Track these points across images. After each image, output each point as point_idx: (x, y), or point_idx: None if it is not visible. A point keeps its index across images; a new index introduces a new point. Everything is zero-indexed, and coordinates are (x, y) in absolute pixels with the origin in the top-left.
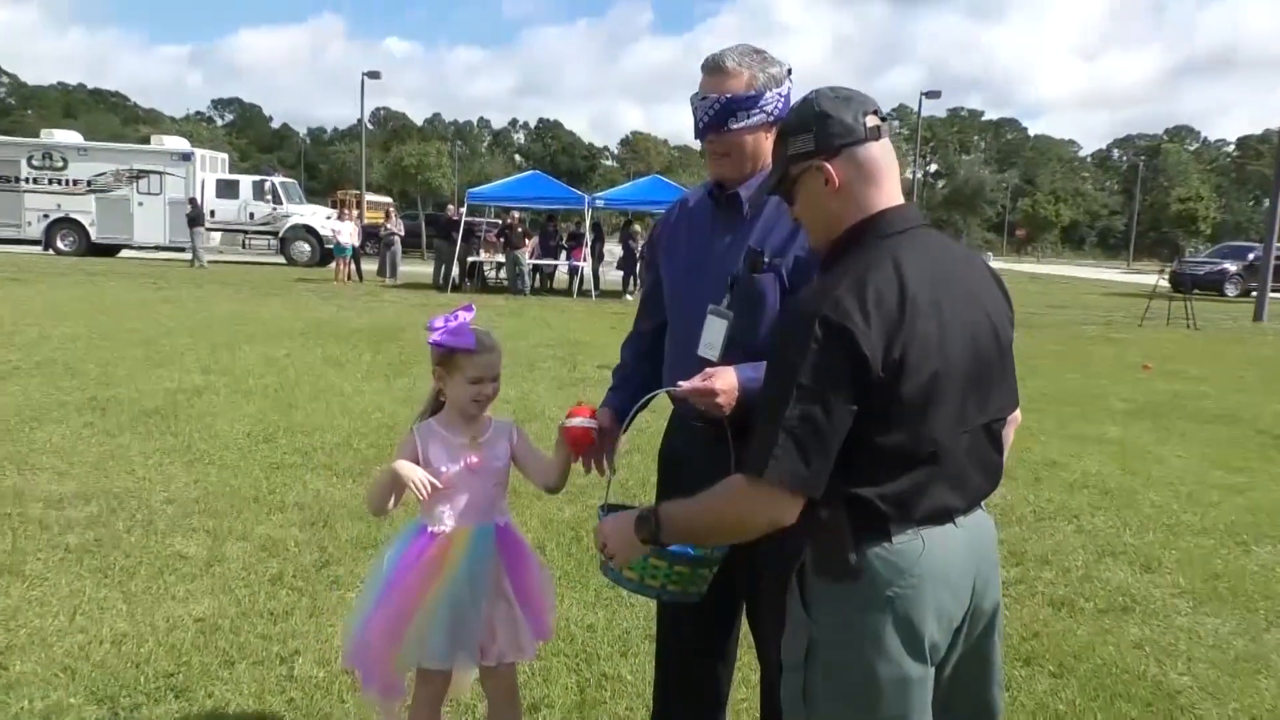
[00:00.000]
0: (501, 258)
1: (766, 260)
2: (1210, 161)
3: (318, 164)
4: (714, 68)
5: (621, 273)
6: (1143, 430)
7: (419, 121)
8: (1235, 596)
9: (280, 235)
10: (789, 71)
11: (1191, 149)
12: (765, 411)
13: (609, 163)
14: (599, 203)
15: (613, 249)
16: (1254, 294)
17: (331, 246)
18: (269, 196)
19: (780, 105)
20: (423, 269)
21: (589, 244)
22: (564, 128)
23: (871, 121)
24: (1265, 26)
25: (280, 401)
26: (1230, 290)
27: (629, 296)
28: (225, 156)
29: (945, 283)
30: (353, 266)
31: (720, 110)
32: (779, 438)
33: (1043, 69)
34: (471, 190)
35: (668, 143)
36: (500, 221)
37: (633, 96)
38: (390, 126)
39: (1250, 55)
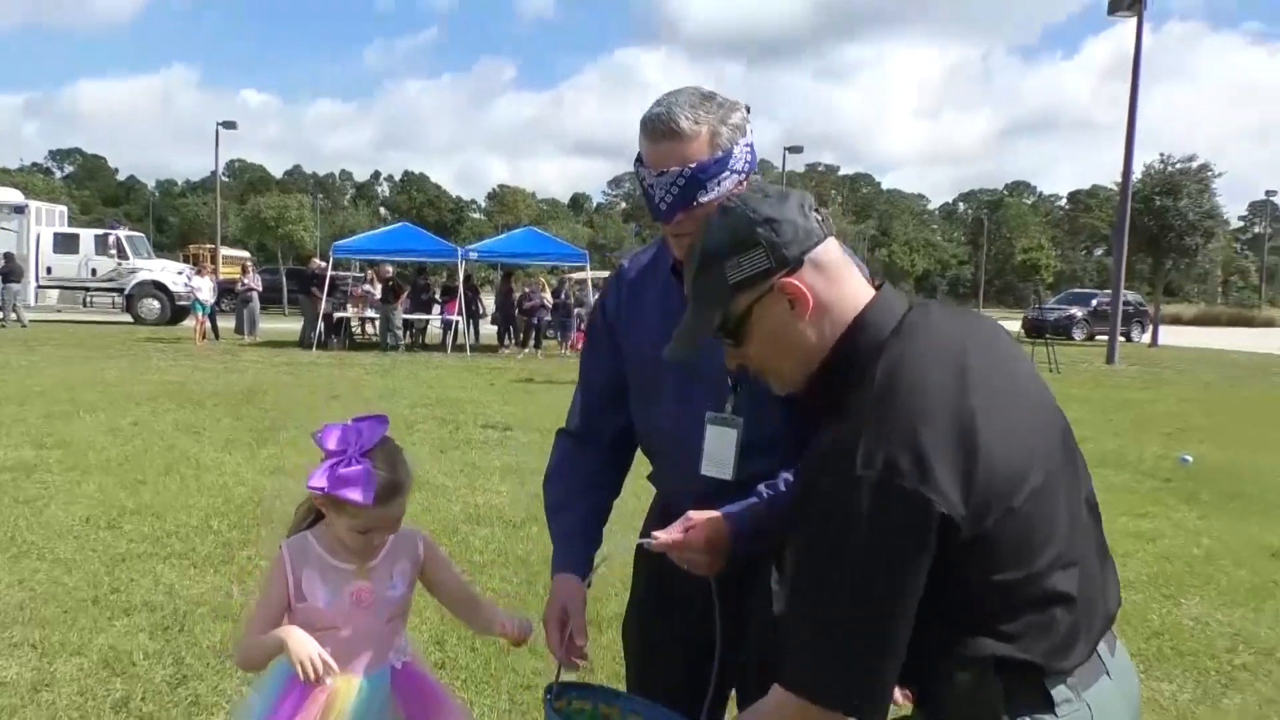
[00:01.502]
0: (371, 312)
1: None
2: (1045, 214)
3: (167, 217)
4: (666, 132)
5: (496, 328)
6: None
7: (278, 174)
8: (1182, 656)
9: (126, 292)
10: (747, 109)
11: (1029, 202)
12: (806, 607)
13: (477, 215)
14: (472, 255)
15: (485, 302)
16: (1098, 338)
17: (189, 304)
18: (113, 251)
19: (749, 156)
20: (283, 325)
21: (462, 297)
22: (430, 180)
23: (819, 215)
24: (1081, 92)
25: (126, 478)
26: (1078, 334)
27: (505, 350)
28: (64, 209)
29: (992, 367)
30: (208, 324)
31: (687, 185)
32: (829, 643)
33: (889, 127)
34: (337, 243)
35: (535, 195)
36: (365, 275)
37: (498, 150)
38: (246, 178)
39: (1070, 117)
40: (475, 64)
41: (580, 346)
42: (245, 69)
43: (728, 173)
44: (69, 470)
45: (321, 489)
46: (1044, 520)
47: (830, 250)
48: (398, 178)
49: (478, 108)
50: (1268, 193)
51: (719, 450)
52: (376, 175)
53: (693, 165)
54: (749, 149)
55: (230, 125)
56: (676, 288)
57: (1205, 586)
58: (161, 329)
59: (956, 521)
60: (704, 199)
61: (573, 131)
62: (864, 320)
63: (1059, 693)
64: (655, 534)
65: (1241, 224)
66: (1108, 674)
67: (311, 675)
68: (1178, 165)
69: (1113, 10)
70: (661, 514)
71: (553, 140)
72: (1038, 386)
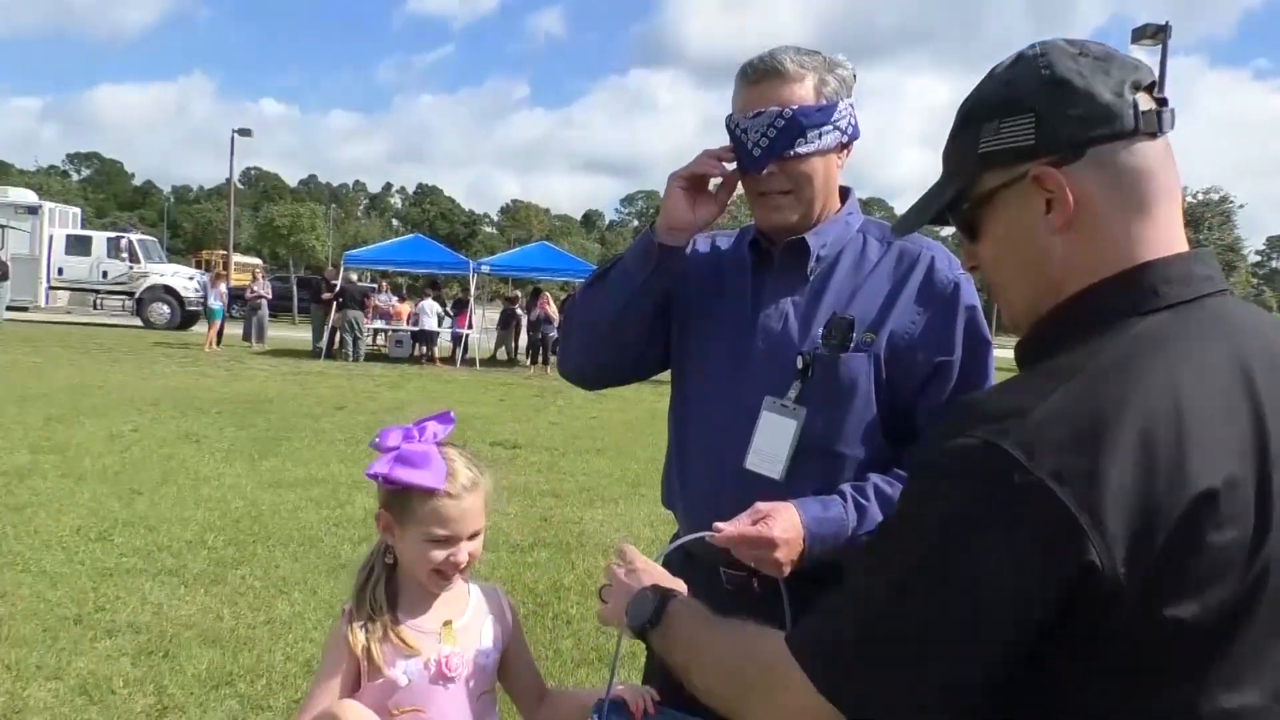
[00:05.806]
0: (380, 323)
1: (856, 333)
2: None
3: (181, 223)
4: (768, 71)
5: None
6: None
7: (292, 183)
8: None
9: (136, 296)
10: (854, 75)
11: None
12: (853, 570)
13: (489, 230)
14: (484, 268)
15: (492, 315)
16: None
17: (199, 309)
18: (125, 254)
19: (852, 121)
20: (292, 334)
21: (471, 311)
22: (443, 193)
23: (1144, 102)
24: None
25: (121, 487)
26: None
27: (530, 366)
28: (78, 211)
29: None
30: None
31: (786, 127)
32: (845, 623)
33: (892, 153)
34: (349, 253)
35: (549, 211)
36: (376, 285)
37: (510, 166)
38: (261, 187)
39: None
40: (487, 80)
41: None
42: (263, 79)
43: (831, 126)
44: (63, 477)
45: (382, 476)
46: (1243, 652)
47: (1139, 155)
48: (411, 190)
49: (490, 123)
50: None
51: (771, 442)
52: (389, 187)
53: (794, 107)
54: (852, 110)
55: (245, 133)
56: (744, 284)
57: None
58: (170, 334)
59: (1102, 571)
60: (803, 149)
61: (584, 149)
62: (1143, 272)
63: None
64: (719, 525)
65: (1259, 258)
66: None
67: None
68: (1199, 197)
69: (1136, 39)
70: (681, 559)
71: (564, 157)
72: None
